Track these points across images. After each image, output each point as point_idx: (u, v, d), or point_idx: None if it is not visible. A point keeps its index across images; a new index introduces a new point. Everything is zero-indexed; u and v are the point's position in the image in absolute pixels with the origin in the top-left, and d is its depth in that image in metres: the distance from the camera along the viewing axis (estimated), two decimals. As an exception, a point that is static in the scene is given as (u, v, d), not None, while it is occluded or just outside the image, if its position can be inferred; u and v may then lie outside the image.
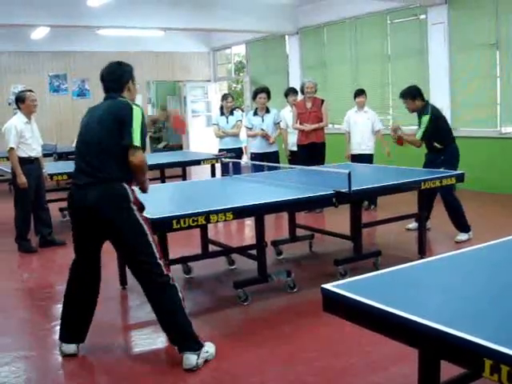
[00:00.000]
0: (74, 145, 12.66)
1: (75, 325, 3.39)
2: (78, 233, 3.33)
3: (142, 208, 3.22)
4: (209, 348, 3.27)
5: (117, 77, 3.34)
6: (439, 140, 5.66)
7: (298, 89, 7.96)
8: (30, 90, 6.10)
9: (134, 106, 3.18)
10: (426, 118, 5.56)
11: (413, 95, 5.69)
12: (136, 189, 3.31)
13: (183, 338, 3.20)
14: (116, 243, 3.28)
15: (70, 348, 3.37)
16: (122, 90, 3.32)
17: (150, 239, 3.16)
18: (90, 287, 3.38)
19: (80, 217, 3.26)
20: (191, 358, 3.15)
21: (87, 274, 3.37)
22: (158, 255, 3.17)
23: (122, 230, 3.14)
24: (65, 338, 3.39)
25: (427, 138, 5.62)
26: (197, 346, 3.19)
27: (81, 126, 3.36)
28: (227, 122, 7.99)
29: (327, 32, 11.13)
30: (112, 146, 3.13)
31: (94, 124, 3.22)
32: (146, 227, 3.16)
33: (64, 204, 7.63)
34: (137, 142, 3.09)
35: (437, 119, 5.61)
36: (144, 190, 3.37)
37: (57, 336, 3.58)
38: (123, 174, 3.15)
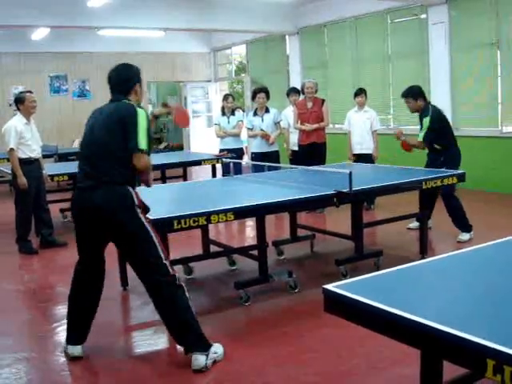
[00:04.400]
0: (74, 145, 12.68)
1: (81, 326, 3.36)
2: (82, 235, 3.30)
3: (146, 210, 3.23)
4: (217, 349, 3.25)
5: (124, 79, 3.31)
6: (439, 142, 5.63)
7: (300, 89, 7.96)
8: (30, 91, 6.10)
9: (138, 109, 3.15)
10: (426, 120, 5.52)
11: (415, 95, 5.65)
12: (140, 188, 3.29)
13: (192, 338, 3.17)
14: (120, 244, 3.27)
15: (75, 350, 3.34)
16: (129, 92, 3.29)
17: (155, 240, 3.15)
18: (94, 288, 3.36)
19: (84, 218, 3.21)
20: (200, 359, 3.13)
21: (91, 276, 3.35)
22: (163, 256, 3.17)
23: (126, 230, 3.13)
24: (71, 340, 3.36)
25: (428, 140, 5.59)
26: (206, 347, 3.17)
27: (85, 129, 3.32)
28: (228, 122, 7.98)
29: (327, 32, 11.12)
30: (116, 150, 3.11)
31: (99, 127, 3.19)
32: (150, 228, 3.16)
33: (64, 205, 7.66)
34: (142, 145, 3.08)
35: (438, 121, 5.57)
36: (148, 186, 3.36)
37: (58, 337, 3.58)
38: (127, 178, 3.14)
